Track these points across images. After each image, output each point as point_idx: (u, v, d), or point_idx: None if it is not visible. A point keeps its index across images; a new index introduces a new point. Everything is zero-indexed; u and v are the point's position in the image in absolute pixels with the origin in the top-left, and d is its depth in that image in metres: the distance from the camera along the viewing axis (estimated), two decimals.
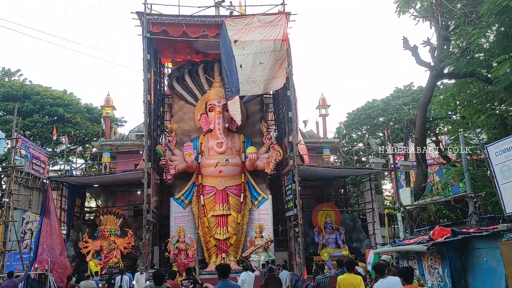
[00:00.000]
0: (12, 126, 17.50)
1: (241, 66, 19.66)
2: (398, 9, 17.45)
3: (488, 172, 12.61)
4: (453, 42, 16.60)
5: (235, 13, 21.87)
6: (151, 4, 20.68)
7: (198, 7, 21.24)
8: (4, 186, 24.54)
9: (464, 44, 15.43)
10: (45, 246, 17.97)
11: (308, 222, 21.07)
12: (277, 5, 20.95)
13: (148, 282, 13.97)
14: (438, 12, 16.07)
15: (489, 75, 14.94)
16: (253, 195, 21.30)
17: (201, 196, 20.58)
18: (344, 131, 29.28)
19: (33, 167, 18.71)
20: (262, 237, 20.23)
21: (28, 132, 29.73)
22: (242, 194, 20.72)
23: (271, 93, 24.64)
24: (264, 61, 19.72)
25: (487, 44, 15.20)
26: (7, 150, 21.44)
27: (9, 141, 17.50)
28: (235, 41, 19.75)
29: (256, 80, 19.77)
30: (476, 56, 14.95)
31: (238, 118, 20.01)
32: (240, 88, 19.64)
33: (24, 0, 78.34)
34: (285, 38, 19.83)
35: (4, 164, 20.18)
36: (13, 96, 29.26)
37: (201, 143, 21.29)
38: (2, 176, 24.91)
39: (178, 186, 21.35)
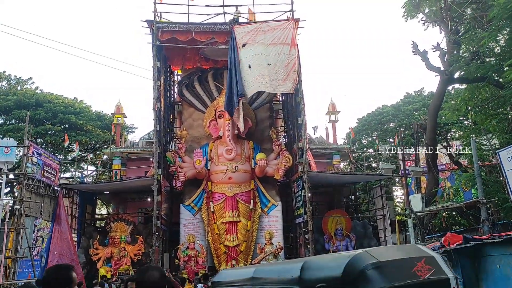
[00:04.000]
0: (24, 133, 17.71)
1: (249, 67, 19.54)
2: (406, 13, 17.39)
3: (501, 177, 12.44)
4: (463, 46, 16.48)
5: (243, 20, 21.92)
6: (160, 12, 20.89)
7: (208, 14, 21.39)
8: (16, 194, 24.79)
9: (474, 48, 15.32)
10: (55, 252, 18.06)
11: (318, 228, 20.92)
12: (285, 12, 21.00)
13: None
14: (448, 17, 16.00)
15: (500, 80, 14.81)
16: (262, 201, 21.20)
17: (211, 203, 20.55)
18: (353, 136, 29.09)
19: (45, 174, 18.87)
20: (272, 244, 20.12)
21: (40, 140, 30.05)
22: (251, 201, 20.65)
23: (281, 99, 24.61)
24: (272, 63, 19.53)
25: (498, 48, 15.07)
26: (19, 157, 21.69)
27: (21, 148, 17.69)
28: (244, 45, 19.76)
29: (265, 77, 19.49)
30: (487, 60, 14.83)
31: (241, 125, 19.86)
32: (246, 91, 19.51)
33: (35, 9, 79.59)
34: (294, 43, 19.81)
35: (16, 172, 20.38)
36: (26, 104, 29.60)
37: (211, 150, 21.31)
38: (14, 183, 25.16)
39: (188, 193, 21.35)
